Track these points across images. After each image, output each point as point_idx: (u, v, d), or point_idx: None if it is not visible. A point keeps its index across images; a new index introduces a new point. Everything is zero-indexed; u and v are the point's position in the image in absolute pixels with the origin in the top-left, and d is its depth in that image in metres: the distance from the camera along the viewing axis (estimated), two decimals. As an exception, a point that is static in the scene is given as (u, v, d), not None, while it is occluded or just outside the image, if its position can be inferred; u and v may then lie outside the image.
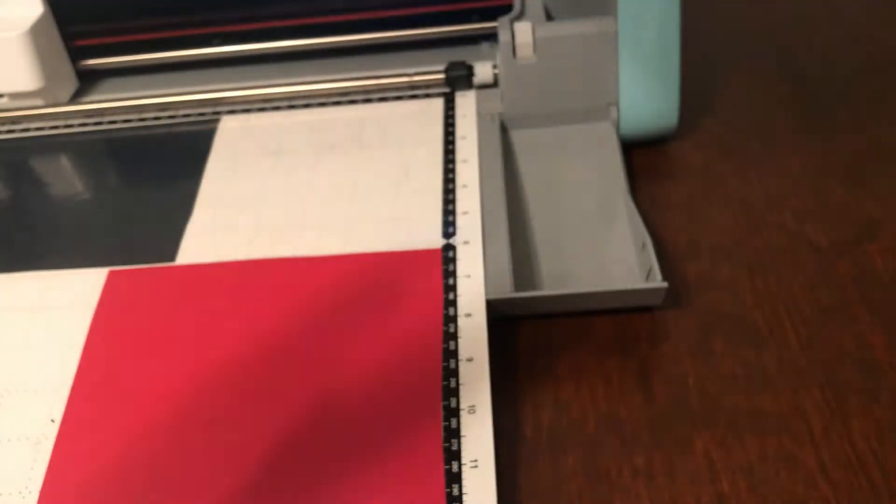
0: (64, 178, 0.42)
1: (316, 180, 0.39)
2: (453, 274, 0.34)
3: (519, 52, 0.40)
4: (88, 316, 0.34)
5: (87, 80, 0.47)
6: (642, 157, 0.42)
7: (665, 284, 0.32)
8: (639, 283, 0.34)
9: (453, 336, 0.31)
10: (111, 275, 0.35)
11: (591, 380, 0.32)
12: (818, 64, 0.47)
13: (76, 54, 0.46)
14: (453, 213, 0.37)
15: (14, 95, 0.44)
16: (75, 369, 0.32)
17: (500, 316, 0.33)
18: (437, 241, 0.35)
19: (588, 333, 0.34)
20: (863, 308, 0.33)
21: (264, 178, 0.40)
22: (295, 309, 0.33)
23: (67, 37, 0.45)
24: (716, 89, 0.46)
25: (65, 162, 0.43)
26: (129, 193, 0.41)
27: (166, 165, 0.42)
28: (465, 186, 0.38)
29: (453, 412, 0.29)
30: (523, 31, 0.40)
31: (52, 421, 0.30)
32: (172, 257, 0.36)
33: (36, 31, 0.43)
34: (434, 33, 0.46)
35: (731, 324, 0.33)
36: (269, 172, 0.40)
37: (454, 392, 0.30)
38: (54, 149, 0.44)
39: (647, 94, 0.40)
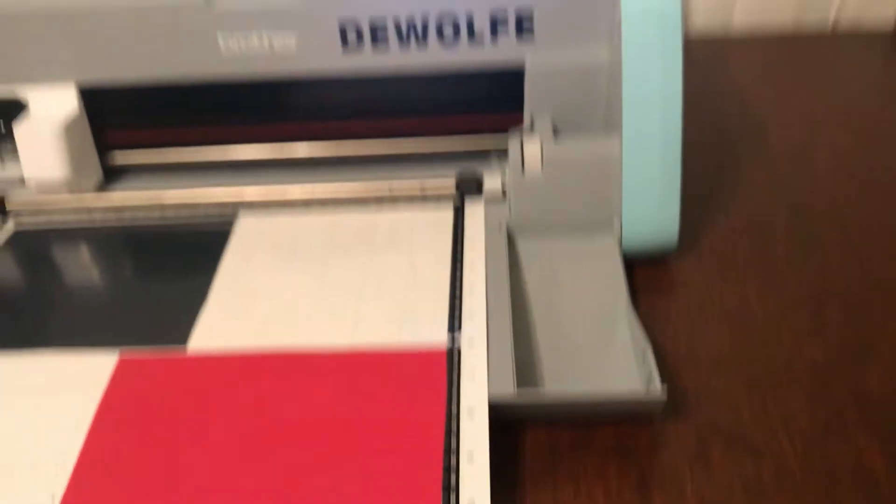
0: (81, 266, 0.43)
1: (327, 277, 0.40)
2: (457, 374, 0.34)
3: (527, 168, 0.42)
4: (97, 398, 0.34)
5: (112, 173, 0.49)
6: (643, 272, 0.43)
7: (664, 397, 0.33)
8: (638, 394, 0.34)
9: (455, 434, 0.32)
10: (121, 361, 0.36)
11: (590, 485, 0.32)
12: (813, 192, 0.49)
13: (103, 149, 0.48)
14: (459, 315, 0.37)
15: (40, 182, 0.46)
16: (80, 448, 0.32)
17: (502, 419, 0.34)
18: (442, 342, 0.36)
19: (588, 439, 0.34)
20: (860, 426, 0.34)
21: (278, 274, 0.41)
22: (300, 403, 0.34)
23: (96, 132, 0.47)
24: (716, 211, 0.47)
25: (83, 250, 0.44)
26: (145, 282, 0.42)
27: (184, 257, 0.43)
28: (471, 291, 0.39)
29: (453, 509, 0.29)
30: (533, 148, 0.42)
31: (53, 497, 0.30)
32: (185, 341, 0.37)
33: (70, 129, 0.45)
34: (446, 149, 0.48)
35: (728, 435, 0.34)
36: (283, 268, 0.41)
37: (454, 489, 0.30)
38: (74, 238, 0.45)
39: (648, 216, 0.41)
